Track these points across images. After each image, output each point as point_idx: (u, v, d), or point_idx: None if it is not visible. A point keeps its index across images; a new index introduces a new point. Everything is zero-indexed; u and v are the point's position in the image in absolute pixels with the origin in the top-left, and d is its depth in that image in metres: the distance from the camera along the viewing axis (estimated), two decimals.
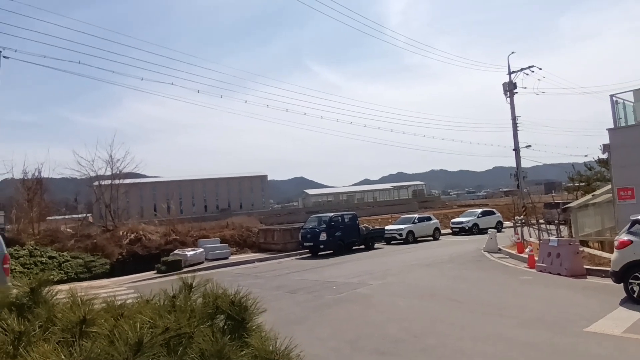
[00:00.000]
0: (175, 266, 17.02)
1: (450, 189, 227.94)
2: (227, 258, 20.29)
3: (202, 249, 19.68)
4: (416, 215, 28.65)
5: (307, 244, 21.30)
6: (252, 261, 19.70)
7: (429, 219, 27.73)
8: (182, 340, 1.79)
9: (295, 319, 8.38)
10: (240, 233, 24.15)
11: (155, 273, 16.89)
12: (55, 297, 2.35)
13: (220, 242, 21.72)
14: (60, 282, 14.67)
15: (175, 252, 18.80)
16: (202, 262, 19.02)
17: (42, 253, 16.34)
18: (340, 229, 21.74)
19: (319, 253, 20.82)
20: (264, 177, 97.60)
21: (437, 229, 27.02)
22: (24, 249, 16.28)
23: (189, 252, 18.70)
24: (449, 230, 29.50)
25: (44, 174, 22.61)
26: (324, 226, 21.38)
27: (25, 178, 21.34)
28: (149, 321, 1.82)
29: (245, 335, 1.93)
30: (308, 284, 12.94)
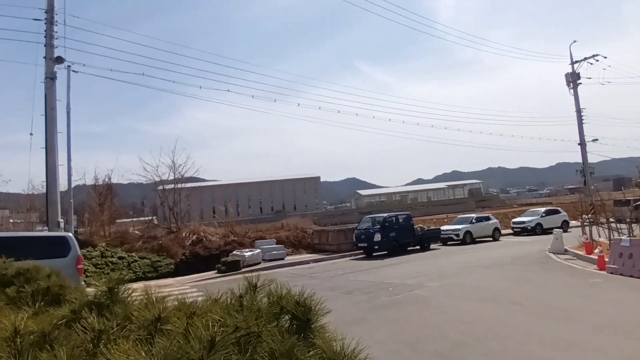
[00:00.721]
0: (234, 266, 17.59)
1: (509, 187, 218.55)
2: (283, 259, 20.68)
3: (259, 250, 20.19)
4: (474, 215, 27.72)
5: (362, 244, 21.24)
6: (307, 262, 19.93)
7: (487, 218, 26.72)
8: (251, 339, 1.85)
9: (352, 319, 8.38)
10: (295, 234, 24.52)
11: (215, 273, 17.55)
12: (130, 296, 2.51)
13: (276, 243, 22.18)
14: (130, 281, 15.59)
15: (234, 252, 19.44)
16: (260, 263, 19.51)
17: (113, 254, 17.47)
18: (394, 229, 21.48)
19: (374, 254, 20.68)
20: (316, 179, 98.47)
21: (496, 229, 25.98)
22: (96, 250, 17.47)
23: (247, 253, 19.25)
24: (510, 231, 28.25)
25: (114, 180, 24.33)
26: (378, 227, 21.22)
27: (97, 184, 23.08)
28: (219, 320, 1.90)
29: (311, 335, 1.96)
30: (363, 284, 12.90)
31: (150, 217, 29.87)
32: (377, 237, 20.67)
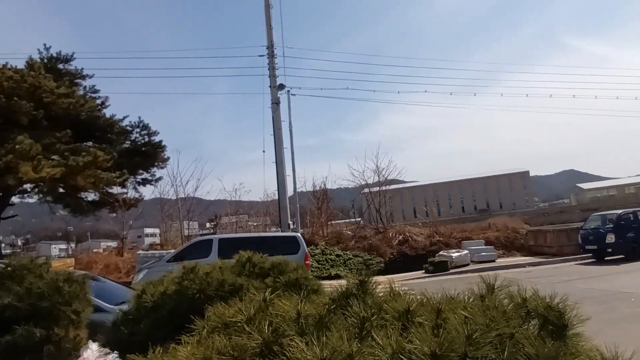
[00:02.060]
0: (441, 267, 17.50)
1: None
2: (493, 261, 19.53)
3: (467, 251, 19.56)
4: None
5: (590, 247, 18.39)
6: (523, 265, 18.34)
7: None
8: (504, 340, 1.89)
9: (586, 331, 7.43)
10: (506, 235, 22.84)
11: (423, 273, 17.75)
12: (375, 289, 2.84)
13: (485, 244, 21.12)
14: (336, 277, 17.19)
15: (440, 253, 19.32)
16: (468, 264, 18.87)
17: (331, 252, 19.45)
18: (633, 228, 17.90)
19: (605, 258, 17.65)
20: (525, 174, 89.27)
21: None
22: (318, 249, 19.70)
23: (454, 254, 18.88)
24: None
25: (328, 186, 27.35)
26: (611, 226, 18.03)
27: (314, 190, 26.36)
28: (468, 317, 2.01)
29: (569, 343, 1.89)
30: (595, 293, 11.22)
31: (358, 219, 32.16)
32: (610, 238, 17.59)
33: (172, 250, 15.61)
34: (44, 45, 25.00)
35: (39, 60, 22.33)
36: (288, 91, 20.96)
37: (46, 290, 4.37)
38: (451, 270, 17.51)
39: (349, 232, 23.28)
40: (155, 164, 25.39)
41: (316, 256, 18.54)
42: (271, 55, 20.43)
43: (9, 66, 20.87)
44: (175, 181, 25.03)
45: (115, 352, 3.73)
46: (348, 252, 19.75)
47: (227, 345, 1.97)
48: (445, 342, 1.65)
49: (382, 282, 2.87)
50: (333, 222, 26.89)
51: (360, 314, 2.09)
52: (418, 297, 2.48)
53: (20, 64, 21.84)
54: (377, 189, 25.93)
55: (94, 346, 4.68)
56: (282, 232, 18.43)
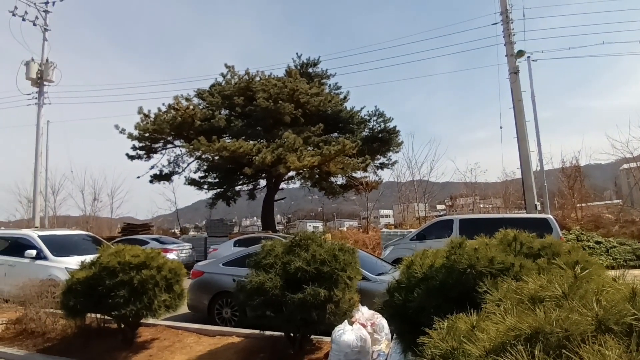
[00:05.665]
0: None
1: None
2: None
3: None
4: None
5: None
6: None
7: None
8: None
9: None
10: None
11: None
12: None
13: None
14: (609, 267, 14.70)
15: None
16: None
17: (589, 238, 16.89)
18: None
19: None
20: None
21: None
22: (571, 234, 17.43)
23: None
24: None
25: (582, 162, 23.82)
26: None
27: (564, 167, 23.26)
28: None
29: None
30: None
31: (616, 200, 26.89)
32: None
33: (413, 230, 16.39)
34: (296, 54, 30.87)
35: (294, 67, 26.49)
36: (528, 57, 18.91)
37: (326, 257, 5.28)
38: None
39: (609, 216, 19.71)
40: (391, 148, 27.08)
41: (569, 242, 16.42)
42: (506, 21, 18.88)
43: (272, 76, 25.54)
44: (411, 163, 26.26)
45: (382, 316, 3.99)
46: (611, 239, 16.79)
47: (556, 318, 1.99)
48: None
49: None
50: (589, 204, 23.17)
51: None
52: None
53: (280, 73, 26.49)
54: None
55: (364, 309, 5.39)
56: (527, 213, 17.07)
